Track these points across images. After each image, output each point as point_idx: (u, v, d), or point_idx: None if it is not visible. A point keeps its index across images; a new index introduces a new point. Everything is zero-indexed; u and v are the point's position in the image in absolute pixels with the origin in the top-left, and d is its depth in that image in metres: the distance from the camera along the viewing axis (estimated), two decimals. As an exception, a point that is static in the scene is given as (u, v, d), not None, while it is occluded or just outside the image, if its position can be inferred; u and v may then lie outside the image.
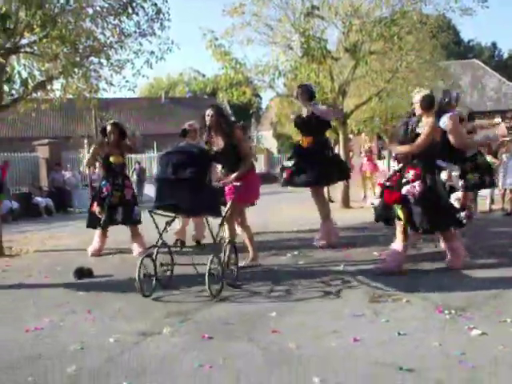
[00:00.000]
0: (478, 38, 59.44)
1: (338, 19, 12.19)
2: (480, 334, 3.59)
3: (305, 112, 7.15)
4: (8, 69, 8.39)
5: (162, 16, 9.43)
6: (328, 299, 4.67)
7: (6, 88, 8.47)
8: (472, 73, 28.89)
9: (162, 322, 4.19)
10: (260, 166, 27.80)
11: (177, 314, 4.39)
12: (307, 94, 7.09)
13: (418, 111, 5.63)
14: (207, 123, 5.94)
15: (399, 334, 3.67)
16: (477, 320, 3.87)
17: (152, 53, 9.60)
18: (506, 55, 51.68)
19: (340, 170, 7.36)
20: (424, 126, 5.50)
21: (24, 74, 8.64)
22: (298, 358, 3.36)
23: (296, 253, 6.82)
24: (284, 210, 12.40)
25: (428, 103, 5.55)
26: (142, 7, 9.10)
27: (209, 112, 5.94)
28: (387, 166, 21.19)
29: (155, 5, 9.27)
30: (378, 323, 3.95)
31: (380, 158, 22.89)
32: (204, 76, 49.73)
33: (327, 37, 12.25)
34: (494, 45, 52.11)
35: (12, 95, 8.69)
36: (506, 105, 25.47)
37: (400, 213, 5.42)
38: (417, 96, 5.67)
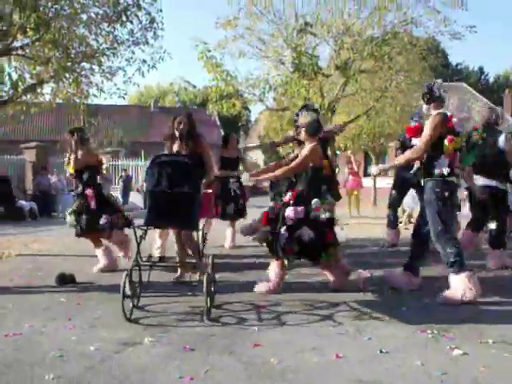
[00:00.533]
0: (466, 62, 60.56)
1: (330, 37, 12.37)
2: (462, 354, 3.61)
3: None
4: (-1, 70, 8.37)
5: (155, 25, 9.52)
6: (311, 315, 4.67)
7: (-5, 89, 8.45)
8: (459, 96, 29.30)
9: (144, 332, 4.15)
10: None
11: (158, 325, 4.36)
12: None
13: (303, 135, 5.50)
14: (179, 131, 5.80)
15: (381, 351, 3.68)
16: (458, 340, 3.90)
17: (144, 61, 9.66)
18: (492, 80, 52.59)
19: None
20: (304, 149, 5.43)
21: (14, 76, 8.62)
22: (280, 372, 3.34)
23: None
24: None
25: (315, 130, 5.45)
26: (136, 16, 9.17)
27: (182, 119, 5.83)
28: (373, 184, 21.40)
29: (149, 14, 9.36)
30: (360, 341, 3.95)
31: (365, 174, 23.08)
32: (195, 87, 49.81)
33: (319, 53, 12.46)
34: (481, 69, 52.99)
35: (1, 97, 8.64)
36: (491, 128, 25.85)
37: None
38: (302, 119, 5.51)
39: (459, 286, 4.92)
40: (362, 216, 14.43)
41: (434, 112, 5.21)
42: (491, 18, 75.14)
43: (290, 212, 5.16)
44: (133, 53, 9.52)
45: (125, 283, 4.34)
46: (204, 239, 5.01)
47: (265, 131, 26.16)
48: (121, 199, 19.90)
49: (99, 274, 6.51)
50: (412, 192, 8.95)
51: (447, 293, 4.98)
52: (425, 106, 5.35)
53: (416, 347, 3.78)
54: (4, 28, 7.68)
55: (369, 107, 14.08)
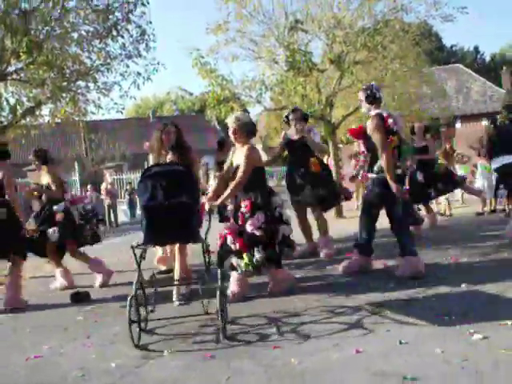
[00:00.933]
0: (461, 43, 60.32)
1: (321, 32, 12.32)
2: (481, 339, 3.59)
3: (293, 133, 7.22)
4: (-4, 96, 8.43)
5: (146, 37, 9.54)
6: (326, 312, 4.66)
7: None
8: (456, 77, 29.20)
9: (163, 344, 4.17)
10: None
11: (177, 336, 4.37)
12: (302, 117, 7.24)
13: (233, 138, 5.33)
14: (169, 141, 5.60)
15: (401, 342, 3.67)
16: (477, 324, 3.88)
17: (139, 74, 9.69)
18: (488, 58, 52.38)
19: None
20: (241, 156, 5.14)
21: (12, 101, 8.68)
22: (301, 373, 3.34)
23: (293, 266, 6.81)
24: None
25: (250, 131, 5.28)
26: (127, 29, 9.22)
27: (170, 129, 5.66)
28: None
29: (139, 27, 9.40)
30: (378, 334, 3.94)
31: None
32: (191, 95, 49.83)
33: (312, 49, 12.41)
34: (476, 49, 52.79)
35: (1, 122, 8.70)
36: (491, 107, 25.70)
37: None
38: (230, 119, 5.34)
39: (409, 264, 5.54)
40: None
41: (373, 112, 5.65)
42: (481, -4, 74.78)
43: (250, 227, 4.96)
44: (127, 66, 9.58)
45: (130, 309, 4.07)
46: (208, 251, 4.71)
47: (265, 131, 26.20)
48: (128, 213, 20.02)
49: (113, 290, 6.53)
50: None
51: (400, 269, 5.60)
52: (367, 106, 5.76)
53: (435, 335, 3.77)
54: (-3, 54, 7.74)
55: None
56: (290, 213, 5.55)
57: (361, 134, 5.89)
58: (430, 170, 8.72)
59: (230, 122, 5.28)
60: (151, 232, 4.18)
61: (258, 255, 4.93)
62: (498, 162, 7.26)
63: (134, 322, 4.13)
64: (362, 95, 5.80)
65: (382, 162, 5.56)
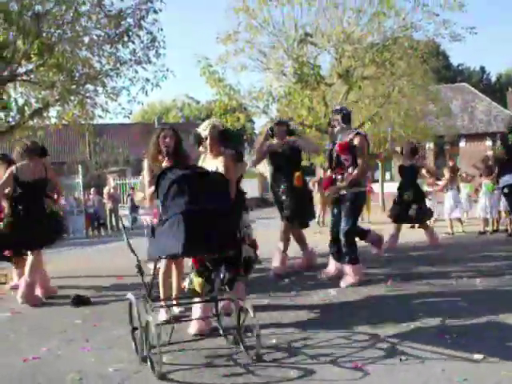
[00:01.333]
0: (467, 63, 60.55)
1: (330, 45, 12.39)
2: (482, 359, 3.57)
3: (277, 147, 7.09)
4: (4, 96, 8.46)
5: (157, 44, 9.59)
6: (327, 324, 4.64)
7: (1, 115, 8.55)
8: (462, 96, 29.29)
9: (162, 350, 4.14)
10: (254, 190, 27.84)
11: (175, 342, 4.34)
12: (288, 131, 7.13)
13: (209, 146, 4.81)
14: (165, 146, 5.04)
15: (401, 360, 3.65)
16: (478, 344, 3.86)
17: (147, 80, 9.72)
18: (494, 79, 52.53)
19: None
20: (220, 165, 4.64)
21: (20, 102, 8.73)
22: None
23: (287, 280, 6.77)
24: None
25: (225, 139, 4.87)
26: (138, 35, 9.26)
27: (168, 133, 5.10)
28: (380, 190, 21.32)
29: (150, 33, 9.44)
30: (380, 349, 3.93)
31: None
32: (198, 103, 49.90)
33: (320, 63, 12.46)
34: (482, 69, 52.95)
35: (8, 122, 8.74)
36: (496, 127, 25.76)
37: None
38: (206, 127, 4.83)
39: (353, 273, 6.16)
40: (373, 222, 14.36)
41: (348, 131, 6.34)
42: (491, 17, 75.28)
43: None
44: (136, 72, 9.60)
45: (142, 346, 3.74)
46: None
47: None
48: (130, 217, 20.01)
49: (113, 295, 6.51)
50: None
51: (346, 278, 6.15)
52: (343, 126, 6.34)
53: (436, 353, 3.75)
54: (8, 55, 7.77)
55: (372, 113, 14.09)
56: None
57: (346, 149, 6.28)
58: (416, 190, 8.82)
59: (207, 129, 4.77)
60: (189, 241, 3.53)
61: (222, 274, 4.42)
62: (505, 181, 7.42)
63: (146, 361, 3.78)
64: (338, 117, 6.38)
65: (357, 169, 6.19)
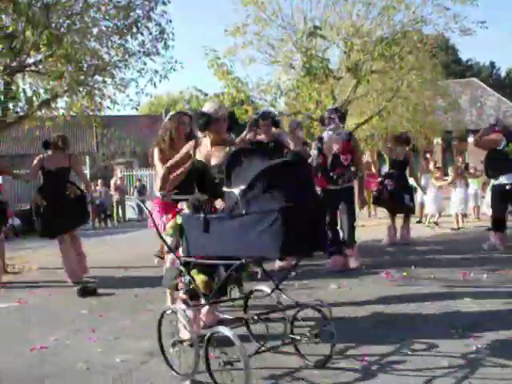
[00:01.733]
0: (477, 57, 60.06)
1: (339, 39, 12.31)
2: (488, 354, 3.57)
3: (264, 138, 6.67)
4: (13, 87, 8.48)
5: (165, 36, 9.57)
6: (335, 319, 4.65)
7: (10, 106, 8.57)
8: (471, 91, 29.10)
9: (169, 342, 4.16)
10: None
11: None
12: (273, 123, 6.70)
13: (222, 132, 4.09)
14: (184, 132, 4.79)
15: (408, 354, 3.66)
16: (485, 338, 3.86)
17: (156, 72, 9.71)
18: (503, 74, 52.13)
19: None
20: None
21: (29, 92, 8.74)
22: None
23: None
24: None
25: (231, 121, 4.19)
26: (147, 27, 9.25)
27: (186, 119, 4.95)
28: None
29: (159, 25, 9.43)
30: (386, 343, 3.93)
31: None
32: (206, 95, 49.63)
33: (329, 56, 12.39)
34: (492, 64, 52.55)
35: (17, 112, 8.77)
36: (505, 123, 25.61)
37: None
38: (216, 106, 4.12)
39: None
40: (380, 217, 14.33)
41: (340, 131, 6.69)
42: (502, 11, 74.50)
43: None
44: (144, 64, 9.58)
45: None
46: None
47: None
48: (137, 209, 20.07)
49: (120, 285, 6.55)
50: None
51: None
52: (337, 124, 6.64)
53: (442, 347, 3.73)
54: (17, 46, 7.79)
55: (381, 108, 14.03)
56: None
57: (347, 149, 6.68)
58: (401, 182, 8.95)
59: (222, 111, 4.08)
60: (291, 240, 2.96)
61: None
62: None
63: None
64: (334, 116, 6.68)
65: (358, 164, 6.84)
